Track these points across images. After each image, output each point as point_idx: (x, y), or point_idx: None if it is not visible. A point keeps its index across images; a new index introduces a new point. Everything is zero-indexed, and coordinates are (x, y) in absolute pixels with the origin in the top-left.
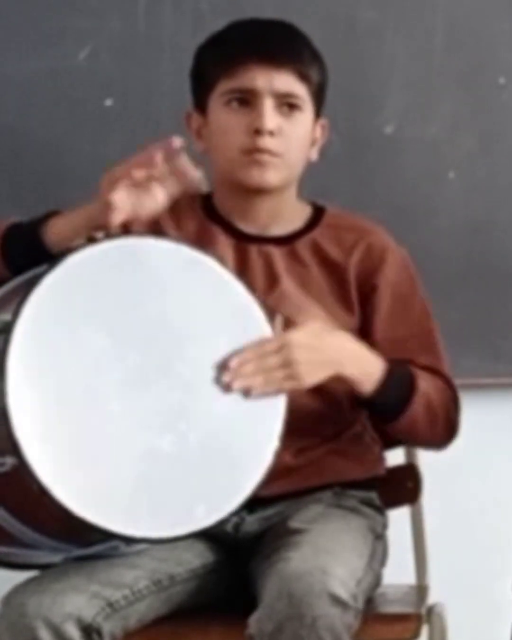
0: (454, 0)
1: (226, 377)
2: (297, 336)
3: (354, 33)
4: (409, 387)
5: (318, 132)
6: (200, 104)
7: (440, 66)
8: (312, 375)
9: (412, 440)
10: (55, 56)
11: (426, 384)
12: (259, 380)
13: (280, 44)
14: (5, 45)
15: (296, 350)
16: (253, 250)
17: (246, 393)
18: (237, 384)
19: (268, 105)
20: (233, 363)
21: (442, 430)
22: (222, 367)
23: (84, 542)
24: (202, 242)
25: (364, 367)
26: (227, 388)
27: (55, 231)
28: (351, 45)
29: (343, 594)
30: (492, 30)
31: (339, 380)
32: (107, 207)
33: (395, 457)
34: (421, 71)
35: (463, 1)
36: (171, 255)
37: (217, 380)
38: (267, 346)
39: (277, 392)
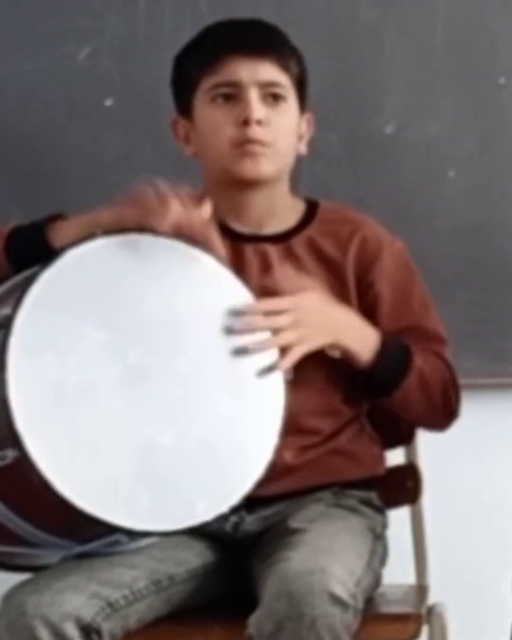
0: (454, 0)
1: (238, 324)
2: (308, 299)
3: (354, 33)
4: (405, 361)
5: (304, 126)
6: (185, 109)
7: (440, 66)
8: (316, 339)
9: (408, 416)
10: (55, 56)
11: (422, 361)
12: (269, 343)
13: (259, 36)
14: (5, 45)
15: (305, 312)
16: (249, 250)
17: (250, 348)
18: (246, 338)
19: (254, 96)
20: (247, 310)
21: (440, 409)
22: (235, 313)
23: (84, 538)
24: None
25: (362, 339)
26: (235, 331)
27: (62, 236)
28: (351, 45)
29: (343, 593)
30: (492, 30)
31: (339, 368)
32: (164, 205)
33: (395, 457)
34: (421, 71)
35: (463, 1)
36: (170, 252)
37: (227, 327)
38: (280, 303)
39: (288, 361)
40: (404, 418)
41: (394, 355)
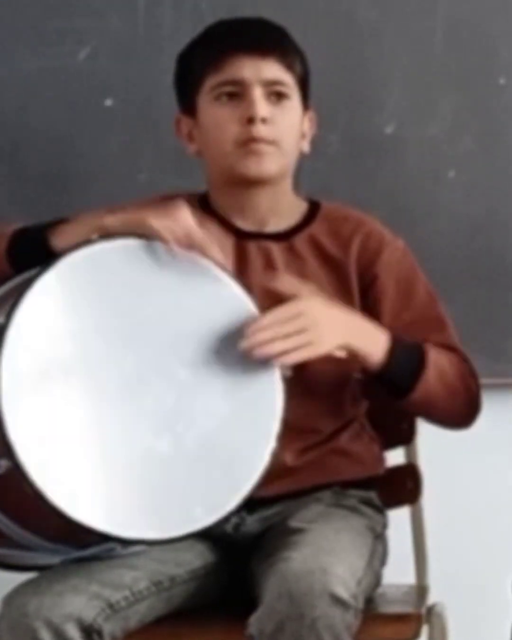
0: (454, 0)
1: (244, 344)
2: (310, 303)
3: (354, 33)
4: (420, 358)
5: (306, 124)
6: (189, 107)
7: (440, 66)
8: (326, 342)
9: (433, 416)
10: (55, 56)
11: (437, 355)
12: (277, 347)
13: (263, 34)
14: (5, 45)
15: (311, 317)
16: (252, 247)
17: (265, 361)
18: (257, 352)
19: (258, 94)
20: (250, 329)
21: (464, 402)
22: (239, 335)
23: (80, 544)
24: None
25: (371, 339)
26: (247, 355)
27: (64, 239)
28: (351, 45)
29: (343, 593)
30: (492, 30)
31: (339, 366)
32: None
33: (395, 457)
34: (421, 71)
35: (463, 1)
36: (167, 257)
37: (231, 348)
38: (283, 313)
39: (294, 359)
40: (429, 420)
41: (407, 353)
